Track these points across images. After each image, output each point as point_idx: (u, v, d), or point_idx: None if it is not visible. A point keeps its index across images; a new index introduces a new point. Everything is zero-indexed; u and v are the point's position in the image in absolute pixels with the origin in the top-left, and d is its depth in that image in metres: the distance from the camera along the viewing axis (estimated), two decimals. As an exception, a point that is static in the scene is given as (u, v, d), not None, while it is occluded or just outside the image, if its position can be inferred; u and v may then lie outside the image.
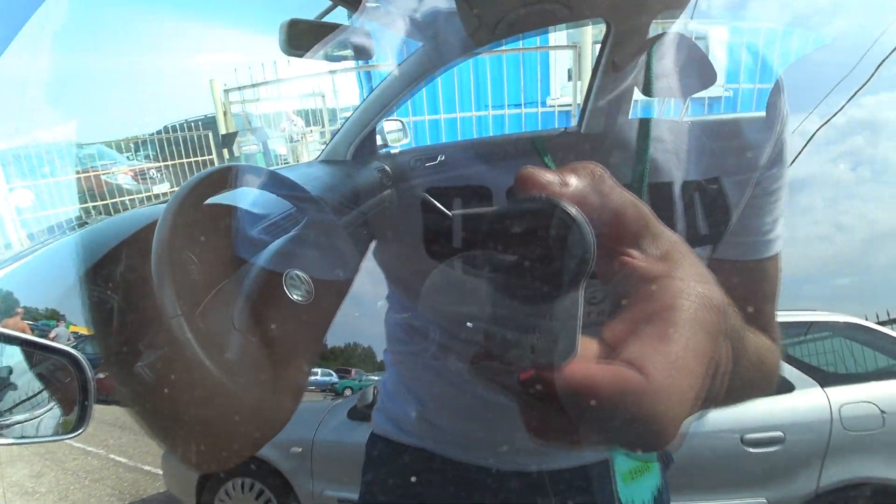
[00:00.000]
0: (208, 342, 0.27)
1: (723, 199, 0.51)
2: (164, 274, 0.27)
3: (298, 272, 0.33)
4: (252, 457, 2.52)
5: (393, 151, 0.71)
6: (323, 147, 0.72)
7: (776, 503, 1.90)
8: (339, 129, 0.71)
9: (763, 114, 0.53)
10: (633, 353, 0.20)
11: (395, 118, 0.80)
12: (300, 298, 0.32)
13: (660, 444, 0.19)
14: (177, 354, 0.27)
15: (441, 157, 0.65)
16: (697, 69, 0.59)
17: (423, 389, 0.62)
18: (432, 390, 0.61)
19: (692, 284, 0.21)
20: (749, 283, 0.55)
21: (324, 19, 0.49)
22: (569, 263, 0.20)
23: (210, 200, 0.34)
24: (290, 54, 0.48)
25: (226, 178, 0.34)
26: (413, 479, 0.60)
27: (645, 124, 0.54)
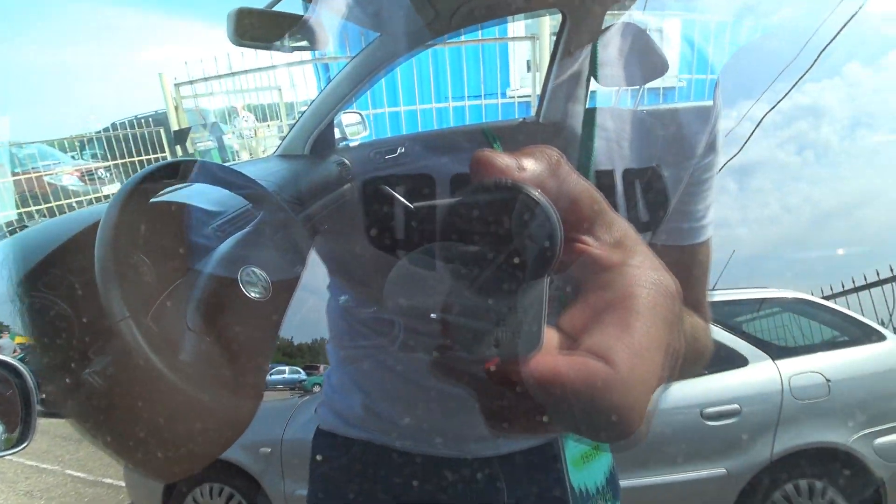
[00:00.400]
0: (161, 345, 0.26)
1: (662, 187, 0.53)
2: (109, 275, 0.26)
3: (255, 269, 0.32)
4: (219, 460, 2.46)
5: (352, 144, 0.70)
6: (280, 141, 0.71)
7: (735, 473, 2.01)
8: (296, 123, 0.70)
9: (708, 103, 0.55)
10: (596, 342, 0.20)
11: (354, 111, 0.79)
12: (258, 296, 0.31)
13: (626, 433, 0.20)
14: (128, 359, 0.26)
15: (401, 150, 0.65)
16: (645, 58, 0.61)
17: (371, 382, 0.62)
18: (382, 383, 0.61)
19: (648, 272, 0.21)
20: (683, 266, 0.56)
21: (274, 8, 0.48)
22: (535, 251, 0.20)
23: (162, 197, 0.33)
24: (239, 45, 0.46)
25: (173, 173, 0.32)
26: (362, 472, 0.60)
27: (590, 113, 0.55)
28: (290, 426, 2.42)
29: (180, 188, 0.33)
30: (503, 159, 0.21)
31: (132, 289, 0.27)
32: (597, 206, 0.22)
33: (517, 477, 0.58)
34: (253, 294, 0.31)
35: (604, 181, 0.52)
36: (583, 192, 0.22)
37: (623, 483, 0.67)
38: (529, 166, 0.21)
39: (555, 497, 0.60)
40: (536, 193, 0.20)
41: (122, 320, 0.25)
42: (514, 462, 0.59)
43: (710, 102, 0.56)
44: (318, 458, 0.65)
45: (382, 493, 0.59)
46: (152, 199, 0.31)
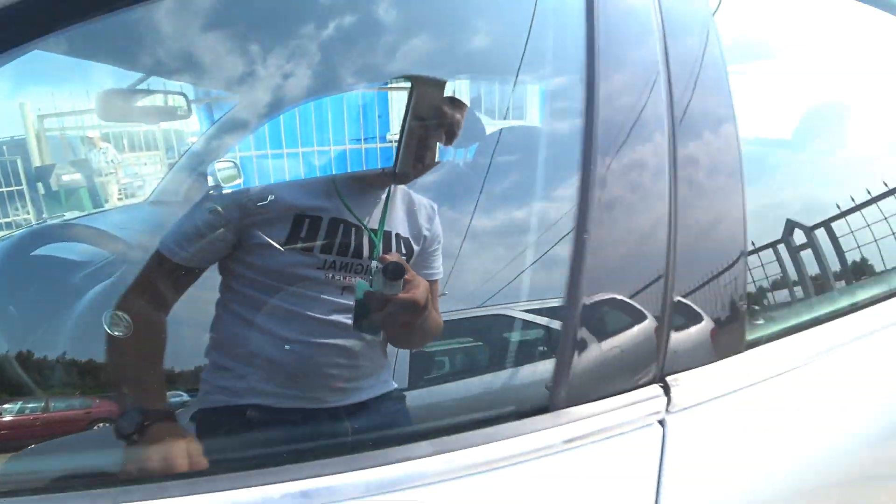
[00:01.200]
0: (38, 378, 0.29)
1: (410, 249, 0.79)
2: None
3: (118, 312, 0.35)
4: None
5: (225, 192, 0.74)
6: (160, 178, 0.71)
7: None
8: (170, 170, 0.71)
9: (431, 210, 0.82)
10: (412, 293, 0.62)
11: (227, 159, 0.82)
12: (121, 334, 0.35)
13: (415, 320, 0.64)
14: None
15: (271, 197, 0.70)
16: (467, 125, 0.76)
17: (253, 360, 0.70)
18: (262, 358, 0.70)
19: (423, 282, 0.65)
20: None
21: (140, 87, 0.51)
22: (402, 275, 0.62)
23: (34, 253, 0.35)
24: (110, 121, 0.48)
25: (48, 235, 0.35)
26: (251, 428, 0.68)
27: (390, 191, 0.76)
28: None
29: (55, 244, 0.36)
30: (392, 256, 0.68)
31: (12, 330, 0.29)
32: (409, 269, 0.64)
33: (355, 418, 0.73)
34: (117, 334, 0.34)
35: (388, 236, 0.74)
36: (405, 265, 0.63)
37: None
38: (396, 257, 0.66)
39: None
40: (404, 264, 0.63)
41: (3, 356, 0.28)
42: (354, 408, 0.73)
43: (434, 220, 0.81)
44: (207, 429, 0.69)
45: (267, 444, 0.66)
46: (30, 254, 0.33)
